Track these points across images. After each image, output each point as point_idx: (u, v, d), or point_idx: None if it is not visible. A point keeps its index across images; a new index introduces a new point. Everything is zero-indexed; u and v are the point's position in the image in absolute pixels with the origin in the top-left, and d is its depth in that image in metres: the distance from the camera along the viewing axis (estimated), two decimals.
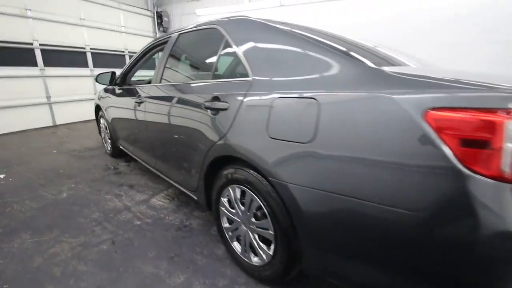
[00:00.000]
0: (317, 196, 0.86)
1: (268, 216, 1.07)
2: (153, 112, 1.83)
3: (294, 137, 0.91)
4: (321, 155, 0.84)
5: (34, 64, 4.55)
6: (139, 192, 2.22)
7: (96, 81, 2.49)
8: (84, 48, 5.29)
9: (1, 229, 1.69)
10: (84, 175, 2.59)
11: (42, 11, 4.55)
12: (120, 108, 2.45)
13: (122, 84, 2.50)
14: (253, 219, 1.17)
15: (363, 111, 0.78)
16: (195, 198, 1.59)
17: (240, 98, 1.15)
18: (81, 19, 5.15)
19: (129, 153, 2.60)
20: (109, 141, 3.03)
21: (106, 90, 2.76)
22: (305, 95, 0.91)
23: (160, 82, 1.83)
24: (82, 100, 5.38)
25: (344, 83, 0.86)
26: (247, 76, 1.18)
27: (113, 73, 2.50)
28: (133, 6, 6.24)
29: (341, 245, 0.88)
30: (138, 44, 6.48)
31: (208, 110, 1.31)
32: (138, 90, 2.10)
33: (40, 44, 4.57)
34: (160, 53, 2.10)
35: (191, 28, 1.71)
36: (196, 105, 1.41)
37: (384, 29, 4.69)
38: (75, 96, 5.23)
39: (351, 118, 0.79)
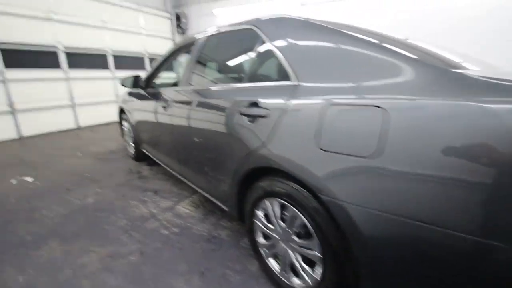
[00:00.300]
0: (382, 219, 0.74)
1: (315, 236, 0.96)
2: (179, 117, 1.75)
3: (353, 150, 0.79)
4: (387, 171, 0.72)
5: (58, 66, 4.65)
6: (164, 198, 2.17)
7: (122, 84, 2.47)
8: (105, 50, 5.36)
9: (30, 236, 1.67)
10: (109, 179, 2.57)
11: (67, 14, 4.65)
12: (144, 111, 2.41)
13: (147, 87, 2.46)
14: (295, 238, 1.06)
15: (445, 122, 0.65)
16: (226, 208, 1.50)
17: (283, 104, 1.04)
18: (103, 21, 5.23)
19: (152, 157, 2.56)
20: (132, 144, 3.01)
21: (130, 93, 2.74)
22: (366, 102, 0.79)
23: (188, 85, 1.76)
24: (104, 103, 5.48)
25: (416, 88, 0.74)
26: (290, 79, 1.07)
27: (138, 76, 2.46)
28: (152, 8, 6.29)
29: (406, 274, 0.76)
30: (157, 46, 6.54)
31: (244, 117, 1.21)
32: (164, 94, 2.05)
33: (64, 47, 4.66)
34: (186, 56, 2.04)
35: (222, 29, 1.63)
36: (229, 110, 1.31)
37: (409, 27, 4.47)
38: (97, 99, 5.33)
39: (429, 129, 0.67)
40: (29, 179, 2.61)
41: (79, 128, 5.05)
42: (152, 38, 6.40)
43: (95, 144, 3.88)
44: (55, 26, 4.53)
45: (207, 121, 1.50)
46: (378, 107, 0.76)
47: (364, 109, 0.79)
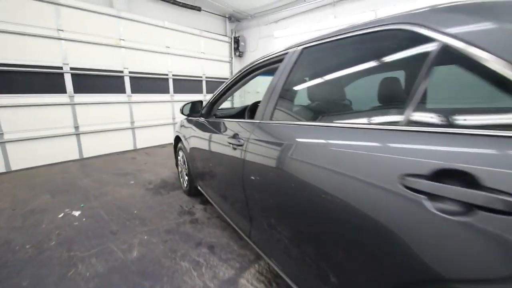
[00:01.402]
0: None
1: None
2: (262, 164, 1.20)
3: None
4: None
5: (123, 91, 4.73)
6: (222, 261, 1.64)
7: (182, 112, 2.12)
8: (167, 74, 5.40)
9: None
10: (158, 221, 2.17)
11: (134, 41, 4.77)
12: (204, 144, 1.99)
13: (209, 116, 2.07)
14: None
15: None
16: None
17: None
18: (166, 47, 5.31)
19: (209, 198, 2.10)
20: (186, 177, 2.63)
21: (189, 121, 2.38)
22: None
23: (272, 118, 1.25)
24: (161, 125, 5.44)
25: None
26: None
27: (199, 102, 2.10)
28: (213, 33, 6.31)
29: None
30: (214, 69, 6.48)
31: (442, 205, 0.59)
32: (232, 126, 1.59)
33: (129, 72, 4.75)
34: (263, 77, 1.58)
35: (331, 36, 1.09)
36: (384, 171, 0.69)
37: None
38: (154, 121, 5.31)
39: None
40: (76, 213, 2.36)
41: (135, 150, 5.01)
42: (211, 61, 6.37)
43: (149, 170, 3.66)
44: (122, 53, 4.66)
45: (327, 182, 0.87)
46: None
47: None
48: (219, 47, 6.60)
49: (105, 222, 2.18)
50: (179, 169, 2.89)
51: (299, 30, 5.82)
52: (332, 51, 1.15)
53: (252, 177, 1.26)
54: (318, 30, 5.53)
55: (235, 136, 1.45)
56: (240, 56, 7.04)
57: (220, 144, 1.68)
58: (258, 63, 1.61)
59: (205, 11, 6.13)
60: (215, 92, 2.02)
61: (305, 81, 1.31)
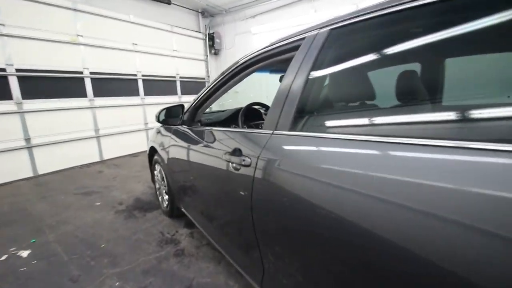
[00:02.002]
0: None
1: None
2: (288, 194, 0.82)
3: None
4: None
5: (84, 95, 4.11)
6: None
7: (158, 120, 1.69)
8: (135, 75, 4.83)
9: None
10: (133, 257, 1.74)
11: (94, 37, 4.17)
12: (188, 159, 1.59)
13: (192, 123, 1.67)
14: None
15: None
16: None
17: None
18: (134, 44, 4.74)
19: (197, 225, 1.71)
20: (166, 196, 2.21)
21: (167, 128, 1.95)
22: None
23: (293, 128, 0.89)
24: (131, 132, 4.86)
25: None
26: None
27: (180, 107, 1.68)
28: (185, 29, 5.81)
29: None
30: (189, 68, 5.99)
31: None
32: (225, 137, 1.22)
33: (90, 73, 4.14)
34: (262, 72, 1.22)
35: (380, 9, 0.75)
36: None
37: None
38: (124, 128, 4.72)
39: None
40: (24, 253, 1.84)
41: (102, 161, 4.41)
42: (185, 60, 5.87)
43: (119, 187, 3.14)
44: (82, 50, 4.04)
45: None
46: None
47: None
48: (193, 44, 6.12)
49: (63, 264, 1.70)
50: (157, 186, 2.44)
51: (278, 26, 5.53)
52: (380, 30, 0.83)
53: (269, 211, 0.90)
54: (299, 25, 5.28)
55: (236, 152, 1.08)
56: (216, 54, 6.60)
57: (210, 159, 1.31)
58: (256, 56, 1.25)
59: (176, 4, 5.61)
60: (199, 94, 1.62)
61: (341, 74, 0.96)
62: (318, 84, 0.95)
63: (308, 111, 0.92)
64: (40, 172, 3.75)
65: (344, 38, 0.89)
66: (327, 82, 0.97)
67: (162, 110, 1.67)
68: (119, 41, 4.52)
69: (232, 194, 1.12)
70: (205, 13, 6.26)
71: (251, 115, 1.91)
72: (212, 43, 6.39)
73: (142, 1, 5.04)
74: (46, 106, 3.70)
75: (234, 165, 1.06)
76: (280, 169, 0.85)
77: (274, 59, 1.19)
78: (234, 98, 6.18)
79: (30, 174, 3.67)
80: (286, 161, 0.85)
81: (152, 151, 2.30)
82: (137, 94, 4.91)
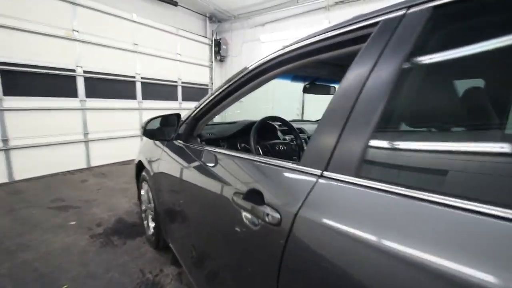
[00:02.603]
0: None
1: None
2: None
3: None
4: None
5: (74, 94, 3.74)
6: None
7: (144, 133, 1.29)
8: (134, 77, 4.49)
9: None
10: None
11: (92, 34, 3.84)
12: (183, 188, 1.20)
13: (190, 138, 1.29)
14: None
15: None
16: None
17: None
18: (134, 44, 4.42)
19: (185, 270, 1.30)
20: (152, 224, 1.81)
21: (160, 143, 1.56)
22: None
23: (367, 172, 0.51)
24: (124, 137, 4.47)
25: None
26: None
27: (175, 117, 1.30)
28: (191, 32, 5.53)
29: None
30: (192, 74, 5.67)
31: None
32: (238, 166, 0.85)
33: (84, 72, 3.79)
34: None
35: None
36: None
37: None
38: (117, 133, 4.34)
39: None
40: None
41: (89, 168, 4.00)
42: (188, 65, 5.55)
43: (101, 202, 2.73)
44: (78, 47, 3.71)
45: None
46: None
47: None
48: (198, 50, 5.83)
49: None
50: (143, 207, 2.04)
51: (289, 35, 5.25)
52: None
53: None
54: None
55: (253, 195, 0.69)
56: (221, 60, 6.31)
57: (211, 194, 0.93)
58: (288, 52, 0.89)
59: (183, 7, 5.35)
60: (201, 102, 1.25)
61: (453, 81, 0.59)
62: (409, 97, 0.58)
63: (393, 142, 0.55)
64: (17, 178, 3.34)
65: (462, 21, 0.52)
66: (426, 93, 0.60)
67: (151, 120, 1.29)
68: (119, 40, 4.20)
69: (245, 255, 0.74)
70: (213, 18, 6.01)
71: (264, 131, 1.54)
72: (218, 49, 6.10)
73: (147, 1, 4.76)
74: (30, 105, 3.33)
75: (250, 217, 0.68)
76: (339, 246, 0.47)
77: (313, 59, 0.83)
78: (239, 108, 5.87)
79: (5, 180, 3.25)
80: (352, 233, 0.46)
81: (140, 165, 1.91)
82: (134, 97, 4.55)
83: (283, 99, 5.38)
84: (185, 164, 1.21)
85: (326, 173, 0.56)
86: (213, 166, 1.00)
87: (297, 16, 5.15)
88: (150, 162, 1.65)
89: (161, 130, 1.27)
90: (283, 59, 0.93)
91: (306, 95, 5.21)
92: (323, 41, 0.76)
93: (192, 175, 1.12)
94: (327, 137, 0.58)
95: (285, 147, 1.41)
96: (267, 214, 0.62)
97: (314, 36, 0.80)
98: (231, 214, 0.77)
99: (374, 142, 0.52)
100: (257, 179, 0.74)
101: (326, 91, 1.64)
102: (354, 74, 0.59)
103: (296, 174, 0.63)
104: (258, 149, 1.31)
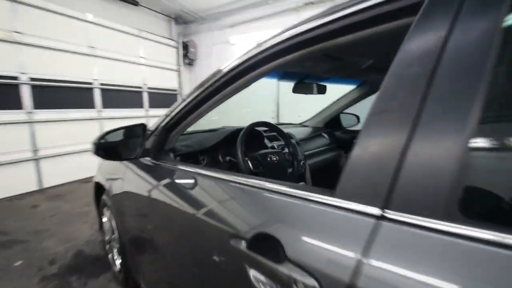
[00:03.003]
0: None
1: None
2: None
3: None
4: None
5: (18, 106, 3.21)
6: None
7: (96, 152, 0.98)
8: (91, 83, 4.02)
9: None
10: None
11: (38, 36, 3.35)
12: (156, 223, 0.94)
13: (161, 153, 1.03)
14: None
15: None
16: None
17: None
18: (90, 47, 3.96)
19: None
20: (118, 258, 1.49)
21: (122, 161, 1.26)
22: None
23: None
24: (83, 152, 3.96)
25: None
26: None
27: (140, 128, 1.03)
28: (155, 34, 5.15)
29: None
30: (159, 79, 5.28)
31: None
32: (232, 193, 0.62)
33: (30, 79, 3.28)
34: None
35: None
36: None
37: None
38: (73, 147, 3.83)
39: None
40: None
41: (41, 190, 3.46)
42: (154, 69, 5.15)
43: (55, 232, 2.30)
44: (18, 50, 3.20)
45: None
46: None
47: None
48: (164, 53, 5.45)
49: None
50: (106, 237, 1.70)
51: (260, 36, 5.10)
52: None
53: None
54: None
55: (264, 244, 0.47)
56: (190, 64, 5.98)
57: (196, 236, 0.68)
58: (280, 42, 0.68)
59: (144, 7, 4.96)
60: (174, 108, 1.00)
61: None
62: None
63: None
64: None
65: None
66: None
67: (106, 134, 0.98)
68: (72, 42, 3.72)
69: None
70: (178, 19, 5.67)
71: (250, 139, 1.31)
72: (186, 52, 5.77)
73: (104, 0, 4.32)
74: None
75: (262, 279, 0.45)
76: None
77: (313, 49, 0.62)
78: (217, 113, 5.59)
79: None
80: None
81: (99, 189, 1.58)
82: (93, 106, 4.06)
83: (256, 102, 5.20)
84: (156, 190, 0.94)
85: (389, 213, 0.35)
86: (195, 194, 0.76)
87: (268, 17, 5.03)
88: (111, 184, 1.34)
89: (121, 147, 0.99)
90: (275, 51, 0.73)
91: (281, 97, 5.10)
92: (331, 24, 0.56)
93: (166, 208, 0.86)
94: (383, 152, 0.38)
95: (277, 157, 1.20)
96: (295, 281, 0.40)
97: (315, 19, 0.60)
98: (227, 269, 0.53)
99: (477, 155, 0.32)
100: (266, 217, 0.52)
101: (319, 90, 1.46)
102: (415, 54, 0.39)
103: (333, 211, 0.42)
104: (247, 162, 1.09)
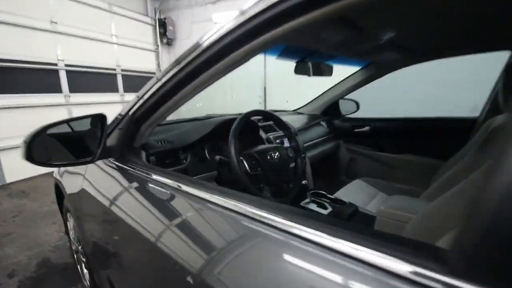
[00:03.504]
0: None
1: None
2: None
3: None
4: None
5: None
6: None
7: (27, 157, 0.73)
8: (56, 64, 3.55)
9: None
10: None
11: None
12: (122, 232, 0.72)
13: (130, 153, 0.79)
14: None
15: None
16: None
17: None
18: (52, 22, 3.47)
19: None
20: (86, 269, 1.26)
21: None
22: None
23: None
24: None
25: None
26: None
27: (99, 119, 0.78)
28: (128, 10, 4.64)
29: None
30: (134, 60, 4.82)
31: None
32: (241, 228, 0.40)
33: None
34: None
35: None
36: None
37: None
38: None
39: None
40: None
41: (4, 187, 3.09)
42: (128, 49, 4.68)
43: (18, 235, 2.01)
44: None
45: None
46: None
47: None
48: (140, 31, 4.96)
49: None
50: (73, 246, 1.45)
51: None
52: None
53: None
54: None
55: None
56: (169, 44, 5.52)
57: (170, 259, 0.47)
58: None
59: None
60: (144, 91, 0.76)
61: None
62: None
63: None
64: None
65: None
66: None
67: (44, 129, 0.71)
68: (30, 16, 3.22)
69: None
70: None
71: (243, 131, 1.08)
72: (164, 31, 5.30)
73: None
74: None
75: None
76: None
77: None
78: (200, 100, 5.24)
79: None
80: None
81: (59, 190, 1.32)
82: (59, 90, 3.62)
83: (242, 87, 4.90)
84: (120, 203, 0.71)
85: None
86: (172, 215, 0.54)
87: None
88: (71, 191, 1.09)
89: (69, 146, 0.74)
90: (280, 12, 0.48)
91: (268, 81, 4.82)
92: None
93: (134, 228, 0.64)
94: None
95: (279, 154, 0.99)
96: None
97: None
98: None
99: None
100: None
101: (326, 70, 1.24)
102: None
103: None
104: (243, 162, 0.87)
